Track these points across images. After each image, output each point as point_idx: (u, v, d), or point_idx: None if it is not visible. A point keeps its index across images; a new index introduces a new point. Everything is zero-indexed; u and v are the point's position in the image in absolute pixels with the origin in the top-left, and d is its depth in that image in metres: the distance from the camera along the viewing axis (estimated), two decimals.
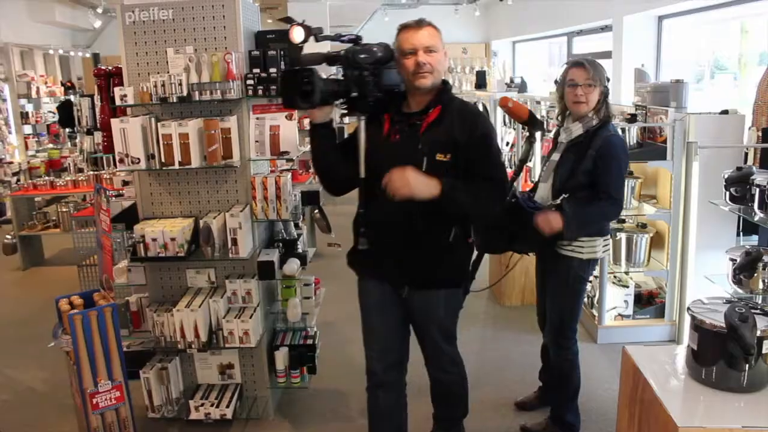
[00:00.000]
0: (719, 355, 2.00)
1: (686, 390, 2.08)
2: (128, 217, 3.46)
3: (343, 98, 2.44)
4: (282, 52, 3.23)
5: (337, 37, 2.39)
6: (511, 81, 9.51)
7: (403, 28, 2.43)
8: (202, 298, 3.21)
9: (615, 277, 4.53)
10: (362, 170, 2.43)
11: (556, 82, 3.03)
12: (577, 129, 2.89)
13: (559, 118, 3.09)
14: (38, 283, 6.17)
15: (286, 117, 3.17)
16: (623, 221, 4.50)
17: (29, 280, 6.32)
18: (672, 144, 4.09)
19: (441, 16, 12.57)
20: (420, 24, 2.39)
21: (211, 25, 3.10)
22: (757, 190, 2.69)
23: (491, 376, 3.89)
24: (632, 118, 4.53)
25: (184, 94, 3.03)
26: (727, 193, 2.92)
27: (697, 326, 2.04)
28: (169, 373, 3.31)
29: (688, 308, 2.13)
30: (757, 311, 2.12)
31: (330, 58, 2.38)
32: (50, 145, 9.53)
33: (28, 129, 9.76)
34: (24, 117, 9.56)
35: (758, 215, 2.72)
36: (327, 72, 2.67)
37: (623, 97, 7.43)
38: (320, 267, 6.13)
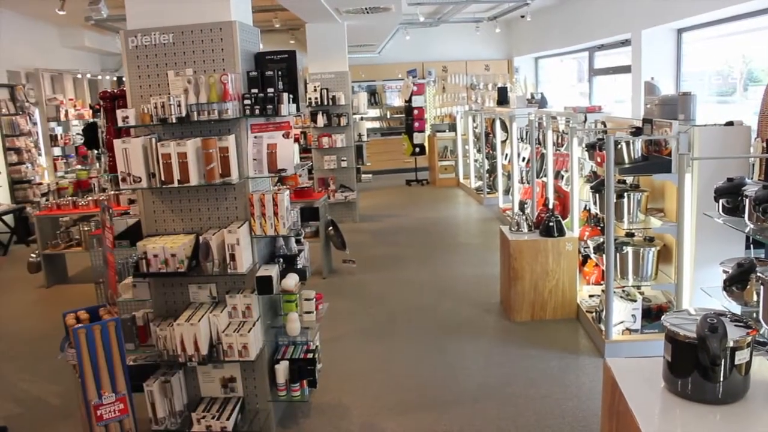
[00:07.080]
0: (693, 366, 1.98)
1: (662, 402, 2.06)
2: (133, 234, 3.56)
3: None
4: (279, 73, 3.33)
5: None
6: (532, 97, 9.52)
7: None
8: (202, 313, 3.29)
9: (623, 291, 4.49)
10: None
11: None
12: None
13: None
14: (60, 301, 6.34)
15: (283, 135, 3.25)
16: (632, 234, 4.48)
17: (52, 298, 6.49)
18: (677, 157, 4.06)
19: (462, 34, 12.69)
20: None
21: (209, 48, 3.20)
22: (747, 201, 2.65)
23: (495, 392, 3.88)
24: (637, 131, 4.51)
25: (183, 114, 3.13)
26: (718, 204, 2.88)
27: (671, 337, 2.03)
28: (172, 386, 3.38)
29: (662, 319, 2.12)
30: (740, 323, 2.10)
31: None
32: (78, 167, 9.81)
33: (57, 151, 10.08)
34: (53, 139, 9.87)
35: (749, 226, 2.68)
36: None
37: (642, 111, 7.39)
38: (333, 284, 6.20)
